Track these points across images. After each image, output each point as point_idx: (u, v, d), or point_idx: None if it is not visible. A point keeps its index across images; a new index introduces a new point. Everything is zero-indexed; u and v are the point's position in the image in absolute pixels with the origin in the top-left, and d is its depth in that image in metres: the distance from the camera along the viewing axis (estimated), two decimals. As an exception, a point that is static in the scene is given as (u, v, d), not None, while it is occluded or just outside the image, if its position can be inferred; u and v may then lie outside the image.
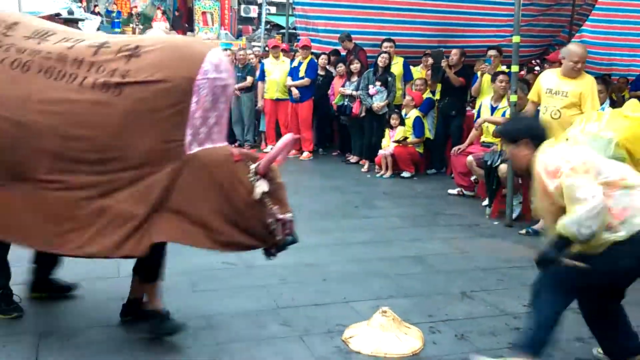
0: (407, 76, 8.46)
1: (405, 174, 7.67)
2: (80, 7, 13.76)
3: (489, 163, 5.80)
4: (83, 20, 12.26)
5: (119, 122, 2.62)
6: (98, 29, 13.55)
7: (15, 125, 2.65)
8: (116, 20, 18.48)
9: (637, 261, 2.56)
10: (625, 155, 3.42)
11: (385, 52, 8.10)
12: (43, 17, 11.88)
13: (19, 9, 10.30)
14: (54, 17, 11.83)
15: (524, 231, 5.30)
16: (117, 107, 2.61)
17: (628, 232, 2.51)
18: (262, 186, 2.73)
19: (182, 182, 2.70)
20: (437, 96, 8.23)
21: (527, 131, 2.81)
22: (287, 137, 2.96)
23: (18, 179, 2.72)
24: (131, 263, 3.09)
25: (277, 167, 2.92)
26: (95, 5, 17.36)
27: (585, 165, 2.55)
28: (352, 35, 9.15)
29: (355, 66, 8.40)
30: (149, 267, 2.99)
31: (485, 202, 6.11)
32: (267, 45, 14.78)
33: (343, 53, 9.38)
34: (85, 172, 2.67)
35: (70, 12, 11.68)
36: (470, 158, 6.20)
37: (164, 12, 17.99)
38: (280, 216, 2.85)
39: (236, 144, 9.73)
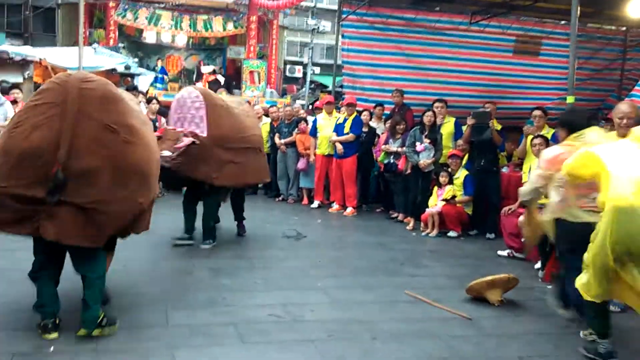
0: (458, 135, 8.21)
1: (452, 234, 7.52)
2: (136, 63, 14.38)
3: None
4: (139, 75, 12.80)
5: None
6: (151, 84, 14.10)
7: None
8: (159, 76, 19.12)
9: None
10: None
11: (430, 111, 8.06)
12: (100, 72, 12.51)
13: (79, 64, 10.80)
14: (111, 72, 12.42)
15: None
16: None
17: None
18: None
19: None
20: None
21: None
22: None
23: None
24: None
25: None
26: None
27: None
28: (400, 95, 9.26)
29: (401, 127, 8.43)
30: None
31: (538, 265, 5.90)
32: (311, 104, 15.09)
33: (387, 112, 9.47)
34: None
35: (127, 67, 12.23)
36: (521, 218, 6.03)
37: (214, 72, 18.69)
38: None
39: (280, 198, 9.80)
